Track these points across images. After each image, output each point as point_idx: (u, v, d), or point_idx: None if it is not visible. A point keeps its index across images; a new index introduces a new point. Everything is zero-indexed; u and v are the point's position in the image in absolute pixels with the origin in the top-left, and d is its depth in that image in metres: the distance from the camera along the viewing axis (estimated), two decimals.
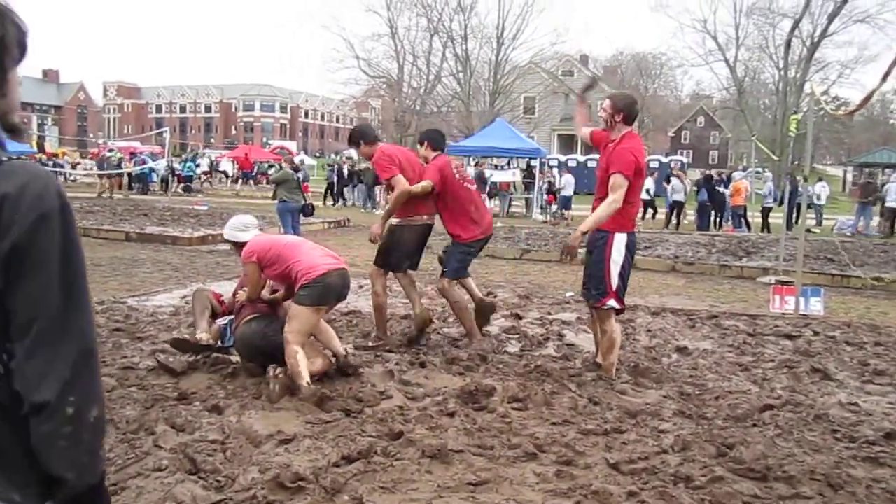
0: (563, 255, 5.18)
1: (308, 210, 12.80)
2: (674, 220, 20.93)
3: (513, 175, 23.38)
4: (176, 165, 30.55)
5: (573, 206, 23.65)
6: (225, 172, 39.13)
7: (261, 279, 4.94)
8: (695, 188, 21.31)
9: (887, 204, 20.54)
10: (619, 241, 5.10)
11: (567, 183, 23.36)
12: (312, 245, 5.08)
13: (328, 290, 4.76)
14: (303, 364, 4.60)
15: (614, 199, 4.94)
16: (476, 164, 23.61)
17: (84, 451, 1.24)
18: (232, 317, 5.30)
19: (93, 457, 1.26)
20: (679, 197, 20.73)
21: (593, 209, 5.22)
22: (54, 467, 1.22)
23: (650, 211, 22.79)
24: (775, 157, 25.88)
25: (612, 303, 5.16)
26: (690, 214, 22.04)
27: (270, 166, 32.61)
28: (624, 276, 5.17)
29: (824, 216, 23.94)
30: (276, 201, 13.02)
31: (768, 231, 19.66)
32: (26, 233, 1.17)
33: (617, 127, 5.17)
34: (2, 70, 1.26)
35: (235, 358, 5.25)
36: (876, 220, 21.53)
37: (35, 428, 1.19)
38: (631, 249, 5.18)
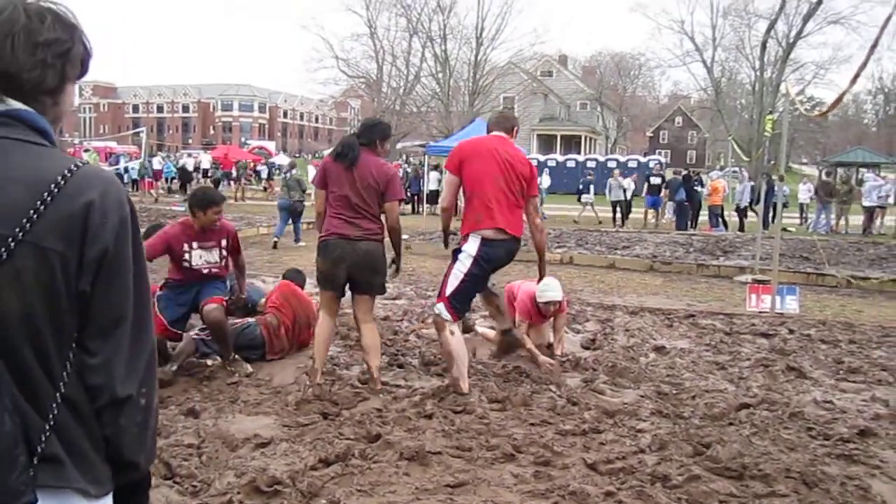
0: None
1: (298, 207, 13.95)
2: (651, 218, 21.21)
3: None
4: (157, 164, 30.19)
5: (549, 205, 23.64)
6: (206, 171, 38.56)
7: None
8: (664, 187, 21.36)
9: (864, 203, 20.76)
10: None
11: None
12: None
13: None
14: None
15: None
16: None
17: (150, 436, 1.35)
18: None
19: (154, 440, 1.38)
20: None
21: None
22: (127, 453, 1.31)
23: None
24: (745, 159, 26.07)
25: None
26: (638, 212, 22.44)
27: (243, 167, 32.37)
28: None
29: (807, 215, 24.10)
30: (279, 199, 14.38)
31: (741, 230, 19.84)
32: (112, 238, 1.24)
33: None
34: (62, 79, 1.30)
35: (211, 361, 5.21)
36: (833, 217, 21.68)
37: (113, 420, 1.28)
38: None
